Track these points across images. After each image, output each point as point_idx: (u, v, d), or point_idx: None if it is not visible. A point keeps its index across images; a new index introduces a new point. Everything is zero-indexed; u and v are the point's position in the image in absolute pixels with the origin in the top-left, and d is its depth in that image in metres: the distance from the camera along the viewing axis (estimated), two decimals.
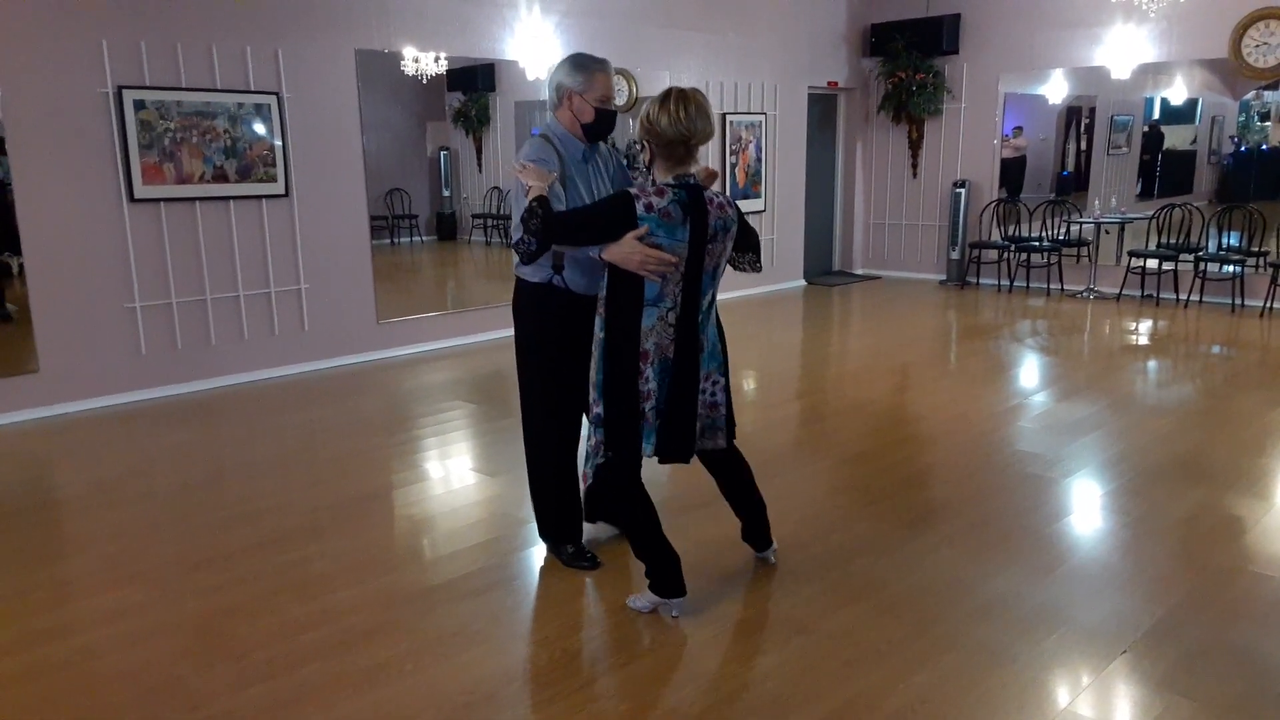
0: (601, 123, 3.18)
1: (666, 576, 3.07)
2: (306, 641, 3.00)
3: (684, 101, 2.80)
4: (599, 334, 2.94)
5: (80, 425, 5.49)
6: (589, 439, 3.04)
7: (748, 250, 3.12)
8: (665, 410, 2.91)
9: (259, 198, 6.24)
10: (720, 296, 3.41)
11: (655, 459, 3.00)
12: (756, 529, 3.43)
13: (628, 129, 10.02)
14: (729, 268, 3.07)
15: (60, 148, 5.46)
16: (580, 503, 3.51)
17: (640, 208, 2.77)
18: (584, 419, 3.26)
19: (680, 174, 2.86)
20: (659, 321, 2.86)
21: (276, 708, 2.64)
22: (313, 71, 6.39)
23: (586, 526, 3.64)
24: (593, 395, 2.99)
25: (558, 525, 3.53)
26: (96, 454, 5.02)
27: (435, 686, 2.74)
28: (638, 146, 2.99)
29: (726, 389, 3.10)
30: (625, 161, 3.39)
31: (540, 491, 3.53)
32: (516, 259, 3.09)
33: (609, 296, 2.90)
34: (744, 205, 8.78)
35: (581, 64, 3.15)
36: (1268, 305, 8.30)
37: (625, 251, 2.79)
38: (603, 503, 3.64)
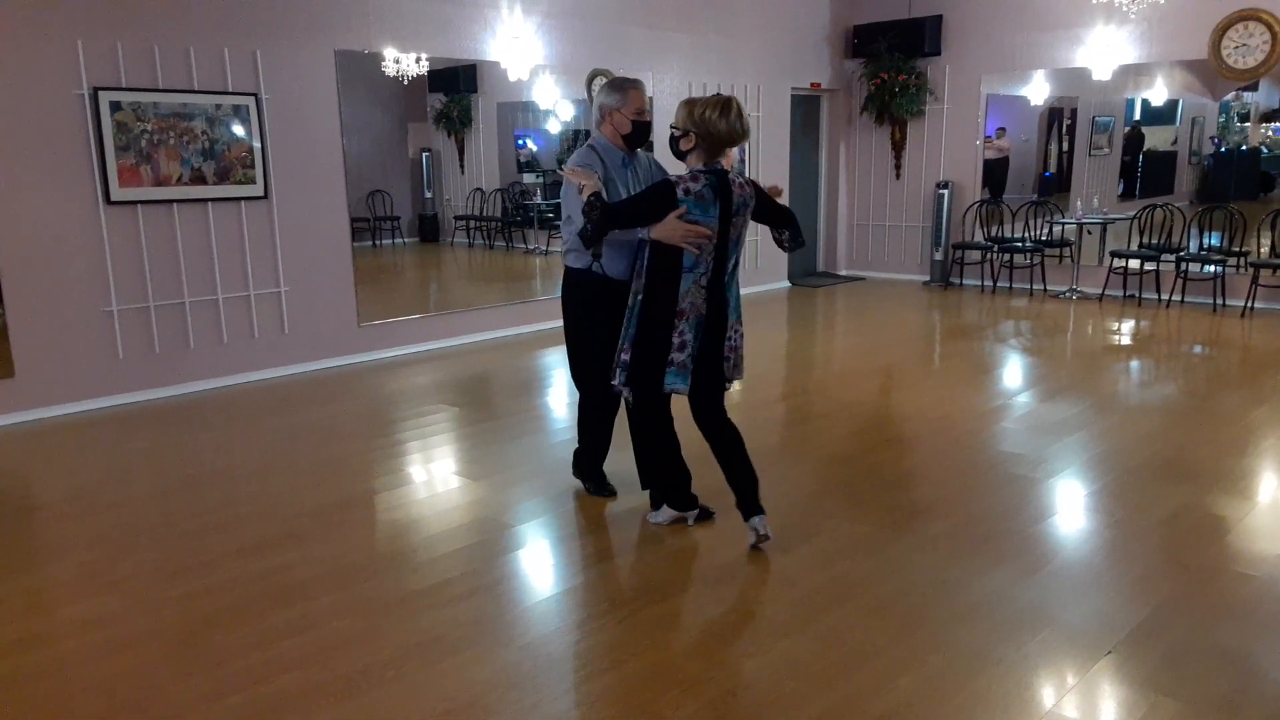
0: (638, 132, 3.74)
1: (680, 492, 3.81)
2: (286, 649, 2.96)
3: (739, 111, 3.36)
4: (636, 297, 3.48)
5: (57, 430, 5.42)
6: (616, 380, 3.60)
7: (784, 227, 3.65)
8: (699, 356, 3.48)
9: (238, 200, 6.18)
10: None
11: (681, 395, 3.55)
12: (746, 496, 3.63)
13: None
14: (777, 248, 3.72)
15: (35, 150, 5.39)
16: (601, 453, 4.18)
17: (680, 192, 3.32)
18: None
19: (711, 163, 3.39)
20: (694, 285, 3.41)
21: (256, 717, 2.60)
22: (292, 72, 6.34)
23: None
24: (621, 345, 3.54)
25: (590, 464, 4.22)
26: (73, 459, 4.95)
27: (417, 694, 2.71)
28: (677, 132, 3.42)
29: (742, 335, 3.65)
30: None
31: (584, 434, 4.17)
32: (564, 248, 3.83)
33: (650, 268, 3.42)
34: None
35: (618, 85, 3.73)
36: (1248, 305, 8.35)
37: (669, 229, 3.34)
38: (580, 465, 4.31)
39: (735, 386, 3.81)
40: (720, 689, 2.72)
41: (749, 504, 3.61)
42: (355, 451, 4.99)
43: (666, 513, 3.85)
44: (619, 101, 3.70)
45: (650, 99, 8.45)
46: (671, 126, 3.45)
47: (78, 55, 5.46)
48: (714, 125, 3.32)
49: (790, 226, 3.65)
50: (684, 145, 3.42)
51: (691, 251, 3.36)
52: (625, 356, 3.54)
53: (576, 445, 4.25)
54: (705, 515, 3.87)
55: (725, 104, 3.33)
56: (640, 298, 3.46)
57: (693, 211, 3.32)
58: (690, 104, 3.38)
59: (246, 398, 6.07)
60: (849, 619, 3.08)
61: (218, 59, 5.99)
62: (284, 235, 6.43)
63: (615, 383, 3.60)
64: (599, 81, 8.29)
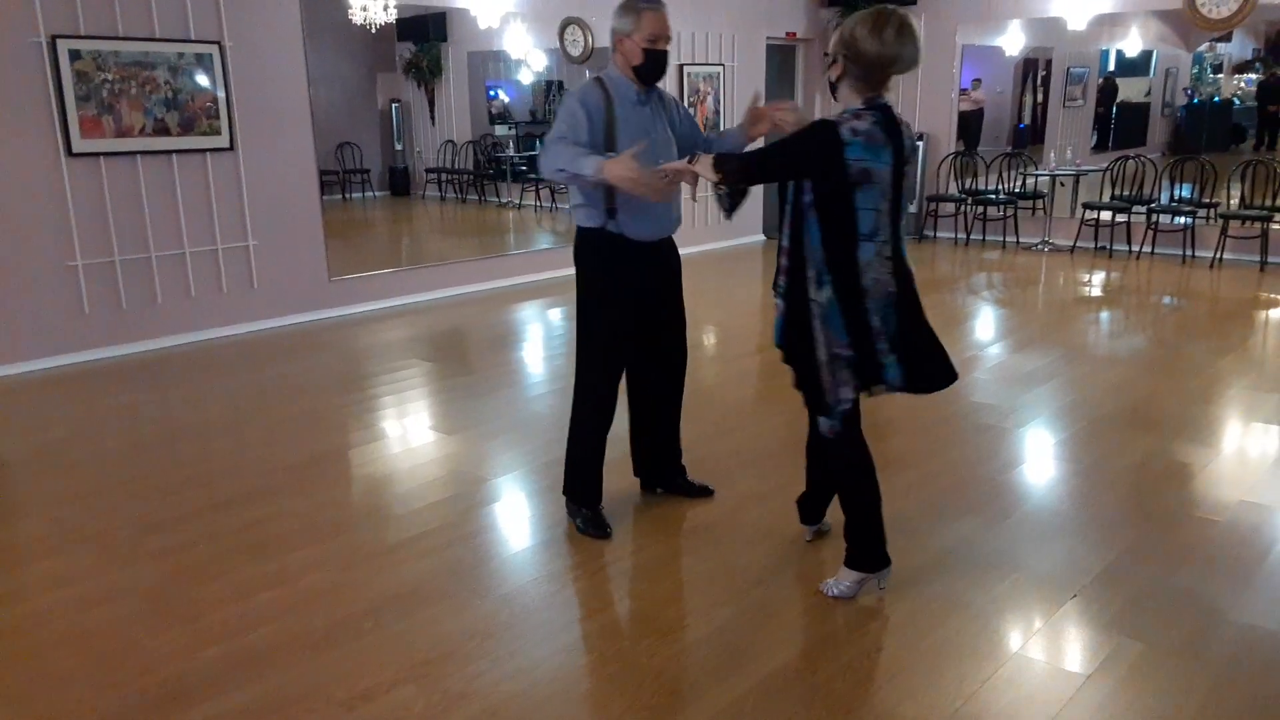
0: (650, 63, 3.14)
1: (877, 545, 2.91)
2: (263, 602, 2.96)
3: (897, 25, 2.59)
4: (827, 276, 2.68)
5: (23, 387, 5.34)
6: (832, 390, 2.75)
7: None
8: (903, 341, 2.74)
9: (203, 151, 6.05)
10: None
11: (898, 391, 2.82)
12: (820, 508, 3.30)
13: (584, 80, 9.86)
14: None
15: None
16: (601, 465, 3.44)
17: (845, 133, 2.58)
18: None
19: (871, 97, 2.65)
20: (876, 256, 2.68)
21: (233, 669, 2.61)
22: (256, 20, 6.18)
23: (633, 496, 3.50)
24: (842, 341, 2.71)
25: (585, 485, 3.43)
26: (41, 416, 4.89)
27: (395, 644, 2.73)
28: (828, 59, 2.71)
29: None
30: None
31: (577, 445, 3.41)
32: (572, 202, 3.21)
33: (826, 239, 2.66)
34: None
35: (629, 6, 3.13)
36: (1217, 256, 8.44)
37: (622, 168, 2.81)
38: (669, 468, 3.64)
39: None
40: (696, 636, 2.76)
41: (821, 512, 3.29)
42: (329, 407, 4.96)
43: (850, 577, 2.94)
44: (630, 26, 3.10)
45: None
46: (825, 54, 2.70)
47: (34, 1, 5.29)
48: (864, 45, 2.59)
49: None
50: (833, 74, 2.70)
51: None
52: (849, 352, 2.71)
53: (566, 457, 3.46)
54: (702, 491, 3.69)
55: (878, 18, 2.60)
56: (830, 277, 2.68)
57: (863, 157, 2.58)
58: (843, 24, 2.68)
59: (216, 353, 6.01)
60: (822, 567, 3.12)
61: (179, 6, 5.82)
62: (251, 188, 6.31)
63: (829, 423, 2.83)
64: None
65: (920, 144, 10.04)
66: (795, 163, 2.67)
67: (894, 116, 2.66)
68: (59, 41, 5.38)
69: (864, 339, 2.70)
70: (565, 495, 3.49)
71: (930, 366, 2.79)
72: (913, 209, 10.23)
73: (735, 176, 2.75)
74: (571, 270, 3.34)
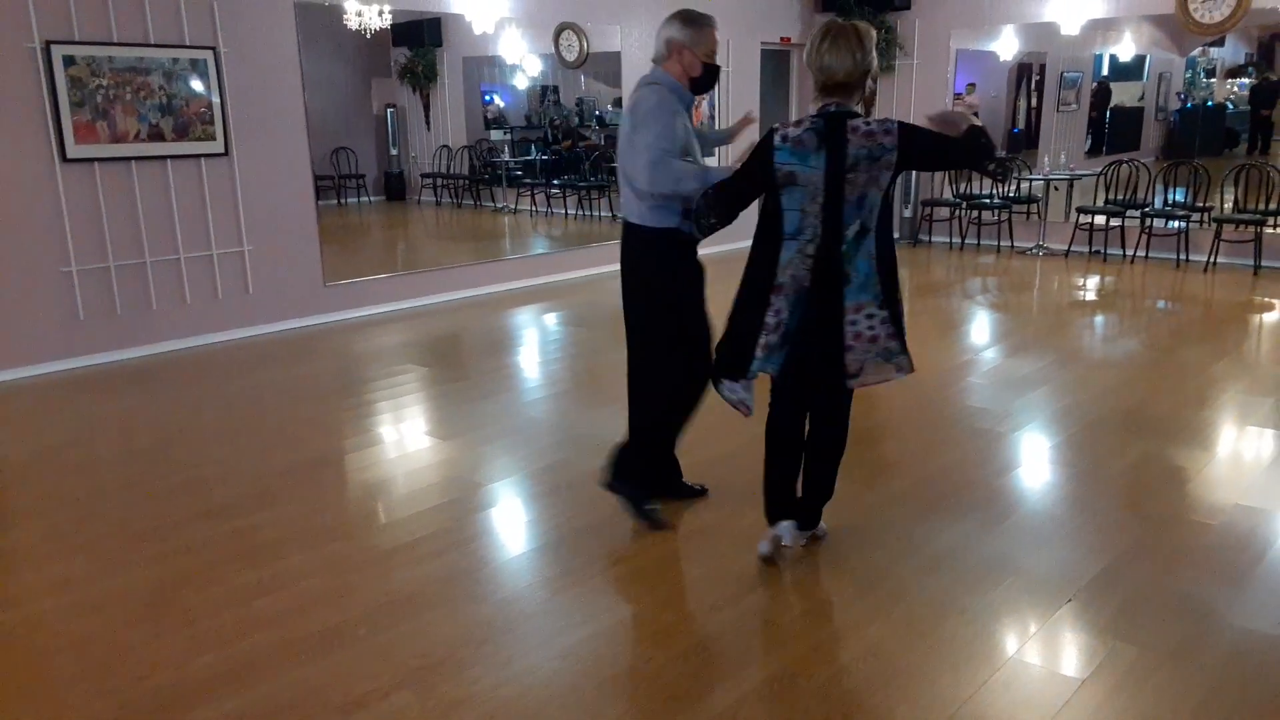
0: (708, 76, 3.33)
1: (767, 503, 3.20)
2: (258, 608, 2.96)
3: (825, 38, 2.83)
4: (749, 271, 3.01)
5: (17, 393, 5.33)
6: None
7: (979, 161, 2.87)
8: (800, 335, 2.94)
9: (197, 157, 6.05)
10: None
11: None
12: (805, 505, 3.26)
13: (579, 85, 9.87)
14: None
15: None
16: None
17: (777, 139, 2.82)
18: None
19: (824, 104, 2.86)
20: (797, 254, 2.87)
21: (228, 675, 2.61)
22: (251, 25, 6.18)
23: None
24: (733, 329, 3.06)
25: (653, 469, 3.54)
26: (35, 423, 4.88)
27: (390, 650, 2.72)
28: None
29: (890, 321, 2.90)
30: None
31: (655, 438, 3.50)
32: (649, 202, 3.23)
33: (757, 238, 2.96)
34: None
35: (693, 19, 3.27)
36: (1211, 260, 8.46)
37: None
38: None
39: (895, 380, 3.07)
40: (692, 641, 2.76)
41: (803, 515, 3.23)
42: (324, 412, 4.96)
43: (765, 535, 3.23)
44: (693, 40, 3.23)
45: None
46: None
47: (28, 6, 5.28)
48: (808, 59, 2.88)
49: (984, 155, 2.82)
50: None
51: None
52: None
53: (644, 446, 3.50)
54: (698, 492, 3.73)
55: (820, 32, 2.86)
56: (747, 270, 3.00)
57: (789, 161, 2.78)
58: None
59: (212, 359, 6.00)
60: (816, 572, 3.13)
61: (173, 11, 5.82)
62: (246, 193, 6.31)
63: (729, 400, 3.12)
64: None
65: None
66: (744, 181, 2.93)
67: (841, 125, 2.76)
68: (53, 47, 5.37)
69: (751, 331, 2.92)
70: (624, 479, 3.48)
71: (811, 364, 2.97)
72: (907, 213, 10.25)
73: (713, 199, 2.95)
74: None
